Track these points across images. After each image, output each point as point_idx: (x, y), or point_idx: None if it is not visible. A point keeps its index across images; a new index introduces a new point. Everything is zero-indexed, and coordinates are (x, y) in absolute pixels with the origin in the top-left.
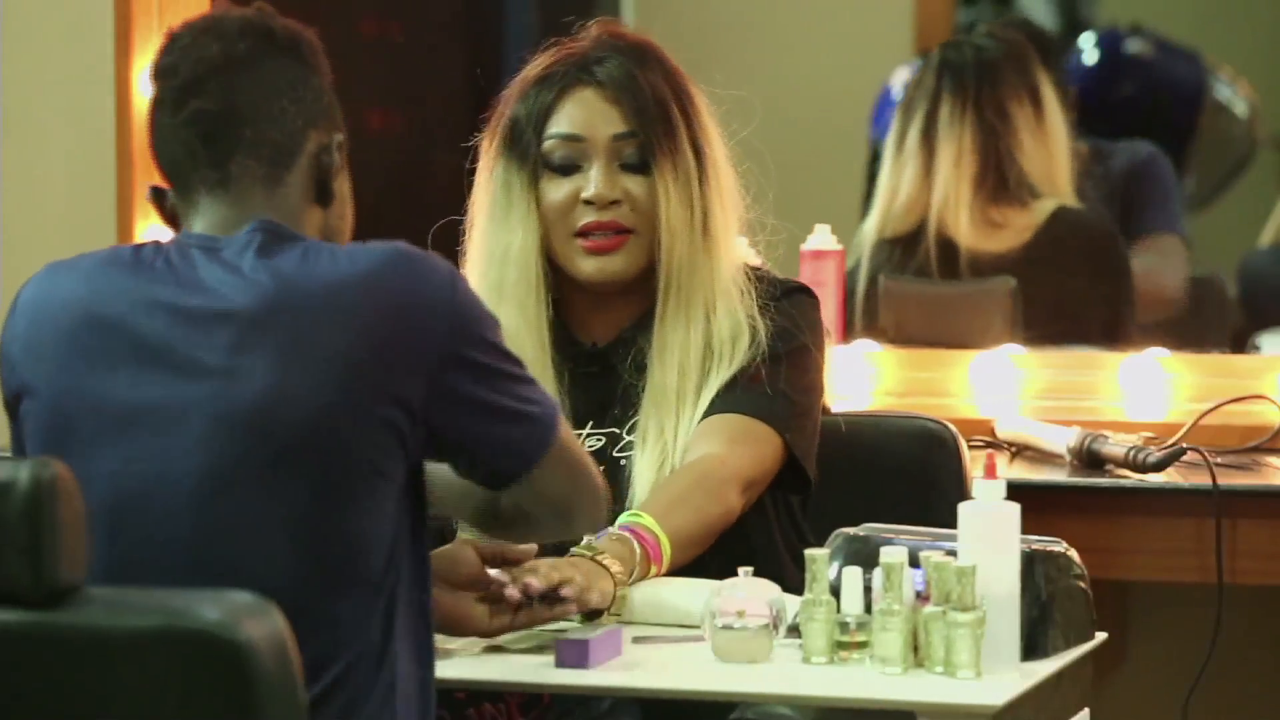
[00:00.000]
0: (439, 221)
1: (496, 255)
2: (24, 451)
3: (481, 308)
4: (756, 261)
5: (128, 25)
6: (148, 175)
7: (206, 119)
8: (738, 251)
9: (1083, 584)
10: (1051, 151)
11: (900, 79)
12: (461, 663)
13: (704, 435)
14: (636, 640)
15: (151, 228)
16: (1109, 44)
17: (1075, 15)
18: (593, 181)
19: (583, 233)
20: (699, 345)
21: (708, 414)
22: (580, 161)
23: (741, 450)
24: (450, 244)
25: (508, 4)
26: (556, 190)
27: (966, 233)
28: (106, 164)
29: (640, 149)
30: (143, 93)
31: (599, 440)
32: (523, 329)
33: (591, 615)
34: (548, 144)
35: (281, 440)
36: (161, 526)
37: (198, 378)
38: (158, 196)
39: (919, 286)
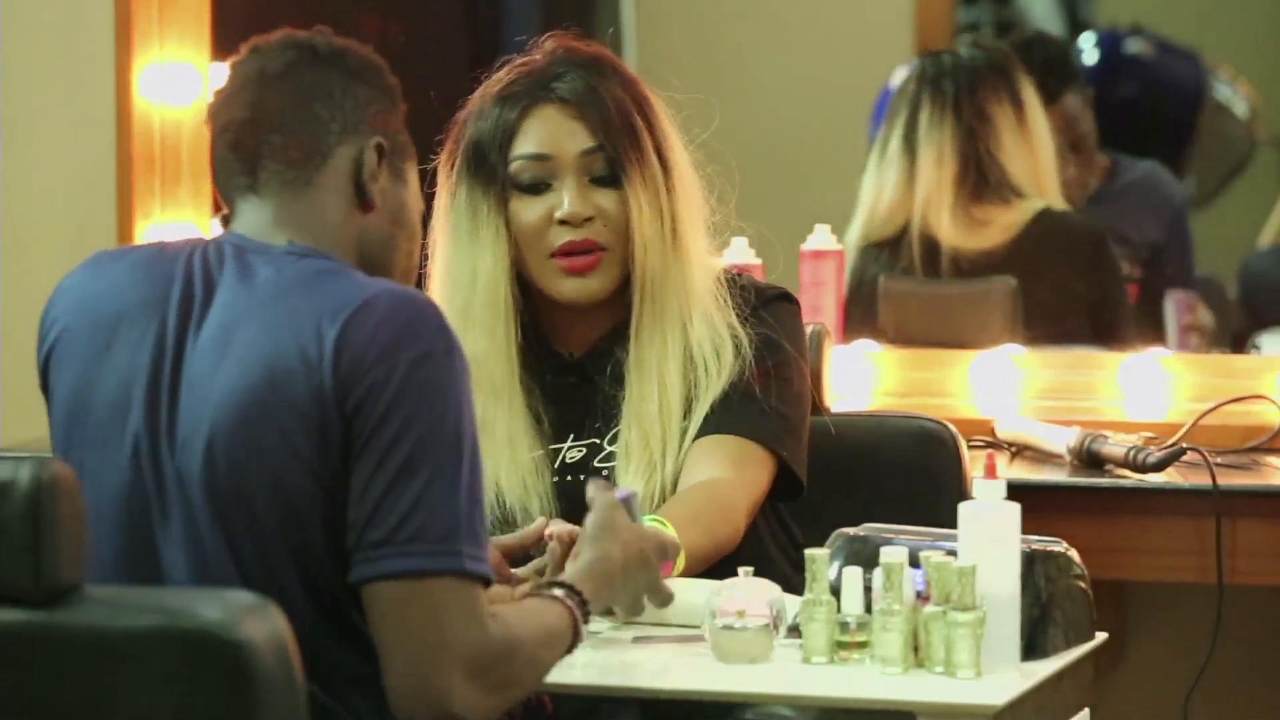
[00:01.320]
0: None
1: (464, 279)
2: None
3: (447, 391)
4: (757, 263)
5: (128, 25)
6: (148, 175)
7: (235, 127)
8: (709, 257)
9: (1083, 584)
10: (1035, 154)
11: (900, 79)
12: None
13: (705, 458)
14: (636, 640)
15: (152, 228)
16: (1109, 44)
17: (1075, 15)
18: (566, 201)
19: (558, 253)
20: (677, 356)
21: (704, 430)
22: (549, 180)
23: (746, 474)
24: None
25: (508, 5)
26: (528, 211)
27: (949, 231)
28: (106, 164)
29: (609, 163)
30: (143, 93)
31: (580, 451)
32: (491, 353)
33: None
34: (515, 165)
35: (241, 452)
36: (166, 524)
37: (188, 381)
38: (225, 223)
39: (919, 286)
